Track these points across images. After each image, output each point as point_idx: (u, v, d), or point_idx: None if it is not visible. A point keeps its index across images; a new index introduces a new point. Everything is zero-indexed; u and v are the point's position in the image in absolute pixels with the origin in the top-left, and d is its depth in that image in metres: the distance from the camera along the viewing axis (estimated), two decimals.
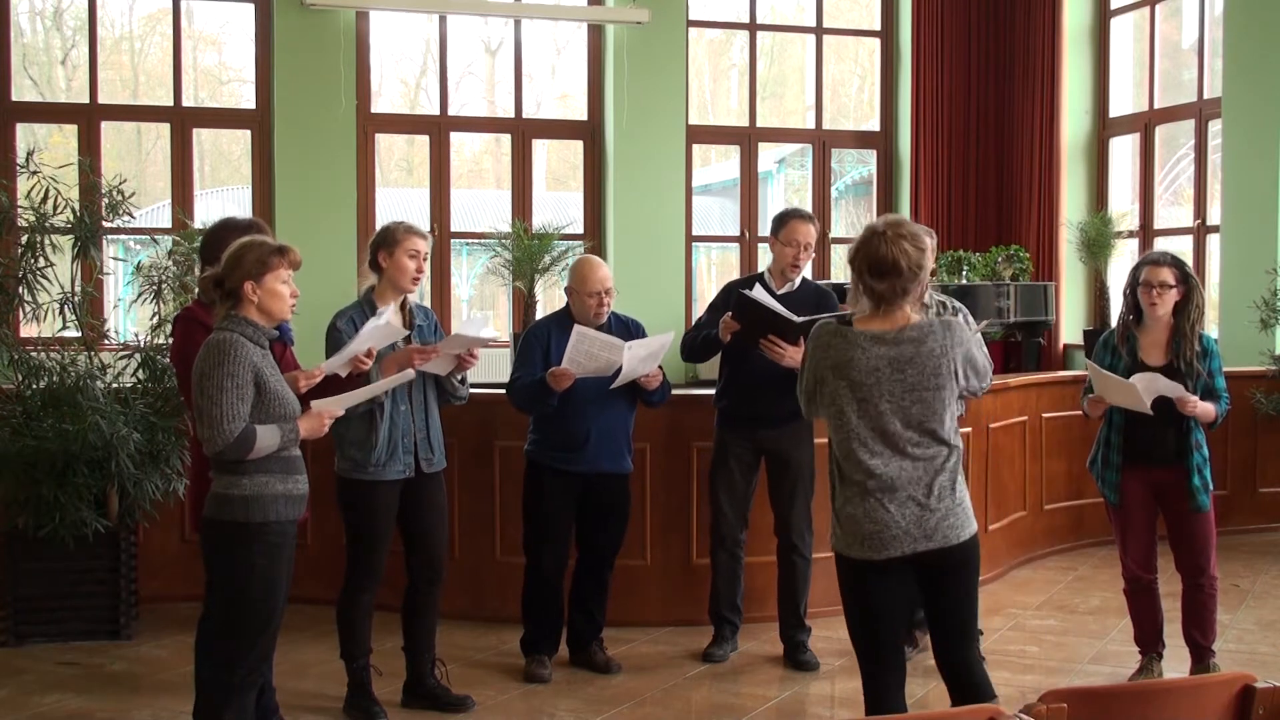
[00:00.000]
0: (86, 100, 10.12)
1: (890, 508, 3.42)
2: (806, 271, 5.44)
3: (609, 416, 5.04)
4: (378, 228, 4.72)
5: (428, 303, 10.46)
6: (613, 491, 5.13)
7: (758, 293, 5.07)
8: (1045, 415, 7.27)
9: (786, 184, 14.07)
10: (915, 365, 3.43)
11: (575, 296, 5.06)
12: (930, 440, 3.46)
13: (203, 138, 11.23)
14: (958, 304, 5.23)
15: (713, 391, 5.51)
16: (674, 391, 5.34)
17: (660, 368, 5.05)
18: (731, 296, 5.26)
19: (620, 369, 4.86)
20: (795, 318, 4.97)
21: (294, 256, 3.76)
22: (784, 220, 5.32)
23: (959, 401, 3.64)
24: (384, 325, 4.22)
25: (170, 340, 4.88)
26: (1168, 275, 4.72)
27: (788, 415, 5.23)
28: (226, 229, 4.28)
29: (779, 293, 5.23)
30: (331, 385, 4.05)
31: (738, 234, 11.81)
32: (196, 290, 4.53)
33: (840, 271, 11.93)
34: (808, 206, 11.94)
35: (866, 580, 3.50)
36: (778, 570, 5.38)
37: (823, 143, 11.77)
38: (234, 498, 3.64)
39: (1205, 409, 4.71)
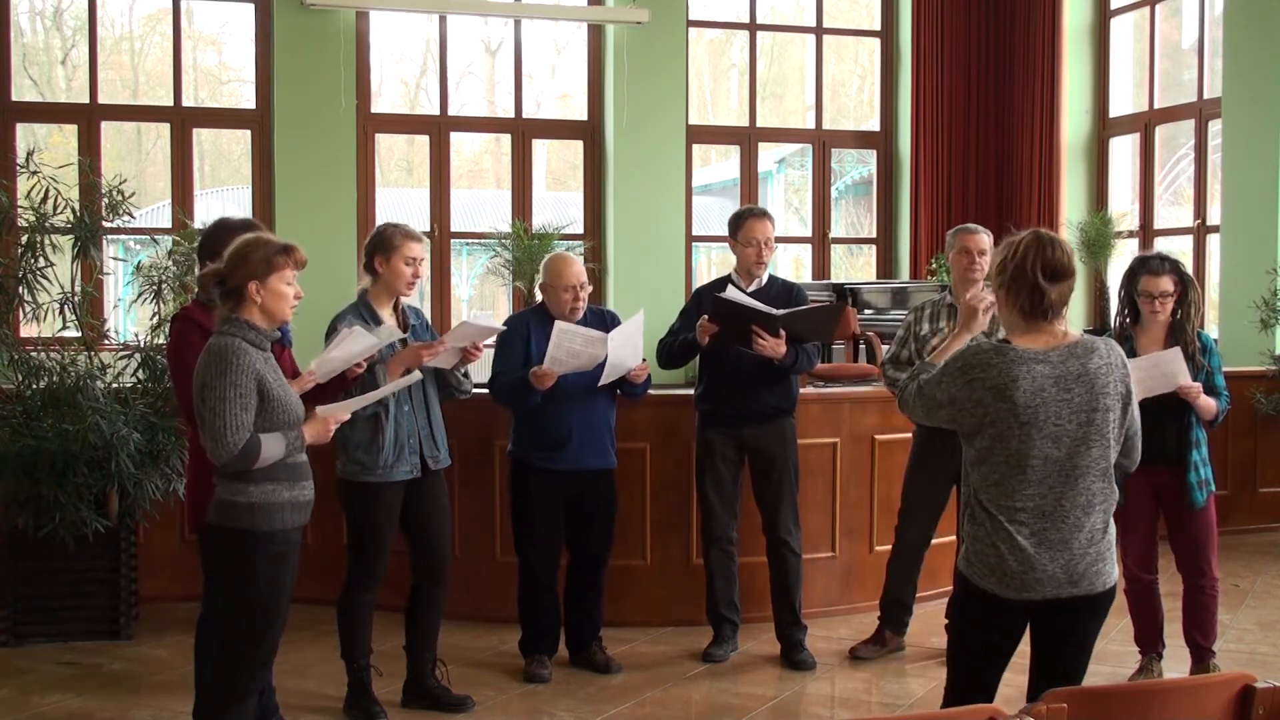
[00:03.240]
0: (86, 100, 10.10)
1: (1040, 549, 3.13)
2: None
3: (591, 412, 5.03)
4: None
5: (428, 303, 10.48)
6: (599, 489, 5.12)
7: (731, 292, 5.10)
8: None
9: (786, 184, 14.06)
10: (1083, 384, 3.14)
11: (550, 292, 5.04)
12: (1093, 472, 3.18)
13: (203, 138, 11.22)
14: None
15: None
16: (673, 391, 5.33)
17: (645, 360, 5.03)
18: (703, 300, 5.29)
19: (604, 364, 4.84)
20: (773, 311, 5.00)
21: (299, 256, 3.65)
22: (740, 220, 5.32)
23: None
24: (370, 342, 4.13)
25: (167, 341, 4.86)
26: (1168, 284, 4.73)
27: (771, 412, 5.29)
28: (223, 229, 4.22)
29: (749, 290, 5.26)
30: (330, 388, 4.03)
31: None
32: (196, 289, 4.44)
33: (840, 270, 11.93)
34: (808, 206, 11.97)
35: (990, 616, 3.23)
36: (769, 567, 5.39)
37: (823, 143, 11.76)
38: (240, 505, 3.56)
39: (1207, 403, 4.73)
